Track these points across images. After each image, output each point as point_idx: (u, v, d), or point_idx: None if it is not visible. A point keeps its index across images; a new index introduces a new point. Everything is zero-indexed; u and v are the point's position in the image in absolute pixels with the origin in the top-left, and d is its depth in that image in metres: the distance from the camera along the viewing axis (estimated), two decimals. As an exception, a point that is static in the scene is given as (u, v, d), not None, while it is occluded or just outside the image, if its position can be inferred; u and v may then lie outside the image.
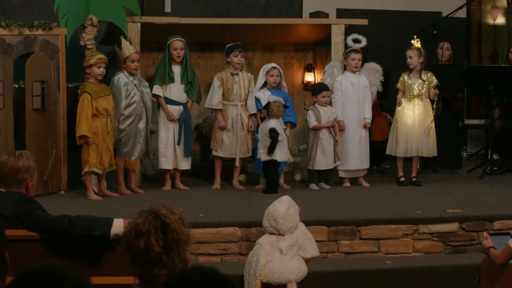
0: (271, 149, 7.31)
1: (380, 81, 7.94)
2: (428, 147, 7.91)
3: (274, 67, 7.77)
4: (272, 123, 7.35)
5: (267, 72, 7.74)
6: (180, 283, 2.18)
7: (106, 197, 7.12)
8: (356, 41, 7.86)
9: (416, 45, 7.92)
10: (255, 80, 7.79)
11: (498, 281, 4.57)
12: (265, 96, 7.65)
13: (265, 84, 7.78)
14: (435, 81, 7.90)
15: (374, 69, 7.94)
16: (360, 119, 7.82)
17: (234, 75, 7.63)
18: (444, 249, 6.41)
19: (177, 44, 7.46)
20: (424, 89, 7.89)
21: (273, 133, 7.30)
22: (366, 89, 7.82)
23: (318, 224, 6.22)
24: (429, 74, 7.92)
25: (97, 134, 6.96)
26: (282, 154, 7.36)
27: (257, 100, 7.69)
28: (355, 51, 7.77)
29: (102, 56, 7.11)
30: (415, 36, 7.98)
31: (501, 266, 4.53)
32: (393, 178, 8.13)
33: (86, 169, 6.99)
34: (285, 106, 7.51)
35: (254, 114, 7.74)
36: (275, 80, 7.72)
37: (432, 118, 7.90)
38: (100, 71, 7.04)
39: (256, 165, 7.78)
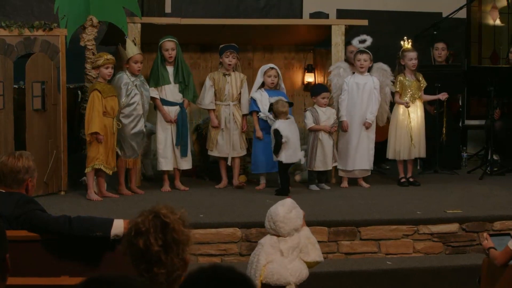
0: (275, 151, 7.29)
1: (391, 81, 7.91)
2: (423, 147, 7.94)
3: (272, 68, 7.76)
4: (277, 123, 7.33)
5: (265, 73, 7.73)
6: (199, 281, 2.17)
7: (106, 197, 7.11)
8: (362, 41, 7.85)
9: (409, 46, 7.92)
10: (248, 80, 7.79)
11: (498, 282, 4.56)
12: (262, 97, 7.65)
13: (263, 85, 7.77)
14: (425, 83, 7.94)
15: (383, 69, 7.89)
16: (362, 120, 7.78)
17: (226, 75, 7.66)
18: (444, 249, 6.41)
19: (168, 44, 7.47)
20: (418, 89, 7.91)
21: (276, 134, 7.29)
22: (373, 91, 7.78)
23: (318, 224, 6.22)
24: (421, 76, 7.95)
25: (105, 133, 6.97)
26: (287, 155, 7.31)
27: (254, 100, 7.67)
28: (360, 51, 7.76)
29: (109, 56, 7.11)
30: (405, 37, 7.97)
31: (501, 267, 4.53)
32: (393, 179, 8.12)
33: (95, 166, 6.96)
34: (290, 104, 7.49)
35: (247, 115, 7.75)
36: (273, 81, 7.71)
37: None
38: (108, 71, 7.05)
39: (253, 165, 7.77)
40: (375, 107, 7.80)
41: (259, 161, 7.64)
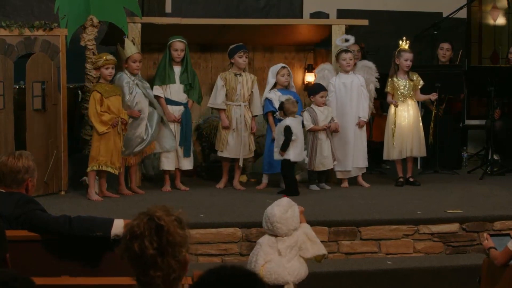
0: (283, 148, 7.25)
1: (376, 78, 7.93)
2: (419, 147, 7.92)
3: (284, 67, 7.76)
4: (287, 121, 7.30)
5: (277, 73, 7.72)
6: (209, 283, 2.19)
7: (106, 197, 7.11)
8: (346, 41, 7.86)
9: (406, 46, 7.92)
10: (261, 81, 7.78)
11: (499, 282, 4.56)
12: (276, 96, 7.63)
13: (274, 85, 7.76)
14: (421, 82, 7.93)
15: (367, 66, 7.95)
16: (354, 119, 7.80)
17: (238, 75, 7.64)
18: (444, 249, 6.41)
19: (178, 45, 7.47)
20: (411, 89, 7.90)
21: (287, 131, 7.25)
22: (361, 88, 7.81)
23: (319, 224, 6.21)
24: (416, 75, 7.93)
25: (109, 133, 6.96)
26: (295, 153, 7.29)
27: (269, 101, 7.66)
28: (345, 51, 7.77)
29: (109, 57, 7.10)
30: (404, 38, 7.97)
31: (501, 267, 4.52)
32: (393, 179, 8.11)
33: (94, 167, 6.97)
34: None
35: (256, 116, 7.75)
36: (287, 80, 7.72)
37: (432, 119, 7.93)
38: (108, 72, 7.05)
39: (266, 165, 7.75)
40: (366, 105, 7.83)
41: (273, 161, 7.56)
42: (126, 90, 7.24)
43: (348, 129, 7.80)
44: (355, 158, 7.80)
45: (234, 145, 7.66)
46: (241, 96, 7.64)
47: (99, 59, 7.09)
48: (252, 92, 7.70)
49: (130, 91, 7.26)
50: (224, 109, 7.65)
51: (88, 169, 7.02)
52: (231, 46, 7.66)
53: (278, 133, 7.35)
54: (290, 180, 7.35)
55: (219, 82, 7.65)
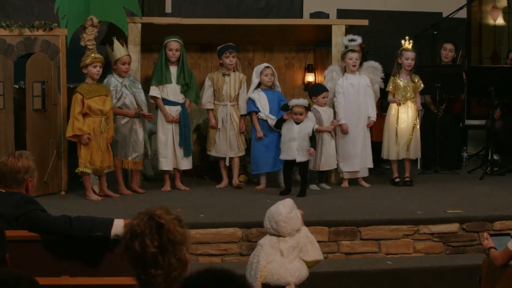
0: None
1: (381, 78, 7.94)
2: (415, 149, 7.92)
3: (267, 67, 7.76)
4: (310, 123, 7.33)
5: (261, 73, 7.72)
6: (197, 284, 2.19)
7: (106, 197, 7.11)
8: (351, 41, 7.87)
9: (409, 46, 7.91)
10: (248, 81, 7.79)
11: (499, 282, 4.56)
12: (259, 96, 7.65)
13: (259, 85, 7.76)
14: (422, 85, 7.92)
15: (373, 67, 7.95)
16: (363, 119, 7.81)
17: (225, 76, 7.67)
18: (444, 249, 6.41)
19: (173, 45, 7.48)
20: (412, 91, 7.89)
21: (314, 133, 7.33)
22: (367, 88, 7.82)
23: (319, 224, 6.22)
24: (417, 78, 7.93)
25: (90, 133, 6.95)
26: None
27: (252, 101, 7.67)
28: (351, 50, 7.78)
29: (97, 55, 7.11)
30: (407, 37, 7.97)
31: (501, 267, 4.52)
32: (393, 179, 8.13)
33: (76, 170, 7.02)
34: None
35: (246, 115, 7.76)
36: (270, 79, 7.71)
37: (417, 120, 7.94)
38: (96, 70, 7.04)
39: (253, 166, 7.76)
40: (373, 104, 7.85)
41: (259, 161, 7.64)
42: (113, 95, 7.22)
43: (357, 130, 7.80)
44: (364, 158, 7.81)
45: (221, 144, 7.70)
46: (227, 96, 7.67)
47: (87, 57, 7.08)
48: (239, 92, 7.71)
49: (117, 95, 7.25)
50: (212, 109, 7.69)
51: (77, 171, 7.06)
52: (219, 47, 7.70)
53: (303, 135, 7.27)
54: (304, 180, 7.37)
55: (207, 82, 7.73)
